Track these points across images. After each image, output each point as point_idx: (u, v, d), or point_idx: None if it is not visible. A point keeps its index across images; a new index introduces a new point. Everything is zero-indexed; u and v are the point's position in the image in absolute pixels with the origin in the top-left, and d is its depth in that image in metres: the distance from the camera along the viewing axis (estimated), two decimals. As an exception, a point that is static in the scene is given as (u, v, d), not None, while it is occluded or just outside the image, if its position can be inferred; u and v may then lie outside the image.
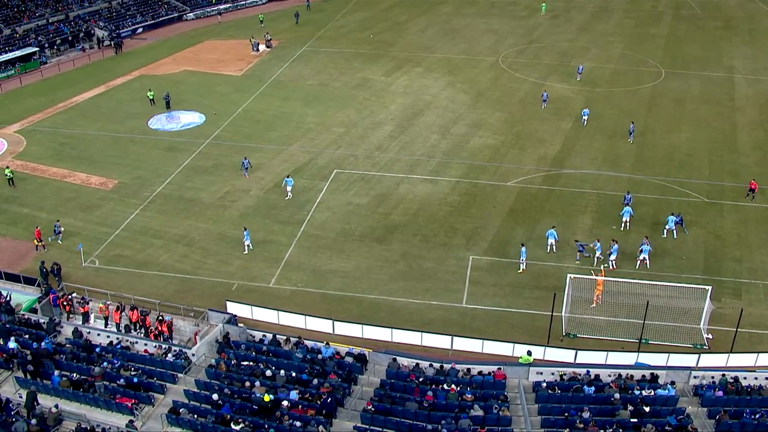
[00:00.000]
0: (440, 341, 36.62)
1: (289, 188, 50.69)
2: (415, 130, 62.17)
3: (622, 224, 46.65)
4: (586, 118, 62.74)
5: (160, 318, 37.26)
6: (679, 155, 57.85)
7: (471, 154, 57.62)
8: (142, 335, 37.21)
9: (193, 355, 33.99)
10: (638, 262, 42.81)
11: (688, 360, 35.16)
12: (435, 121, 64.32)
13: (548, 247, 44.11)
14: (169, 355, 34.00)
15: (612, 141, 59.97)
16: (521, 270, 42.45)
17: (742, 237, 46.62)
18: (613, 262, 42.54)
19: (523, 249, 42.74)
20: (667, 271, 42.38)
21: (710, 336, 37.15)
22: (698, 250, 45.09)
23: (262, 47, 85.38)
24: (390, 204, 50.35)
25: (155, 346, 34.79)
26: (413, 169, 55.02)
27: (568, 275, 38.74)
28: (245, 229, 45.12)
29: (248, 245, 44.58)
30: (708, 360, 35.21)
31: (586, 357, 35.08)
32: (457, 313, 39.40)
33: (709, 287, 37.63)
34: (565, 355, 35.45)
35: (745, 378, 32.80)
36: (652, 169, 55.15)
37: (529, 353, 34.64)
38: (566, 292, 38.04)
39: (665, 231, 45.87)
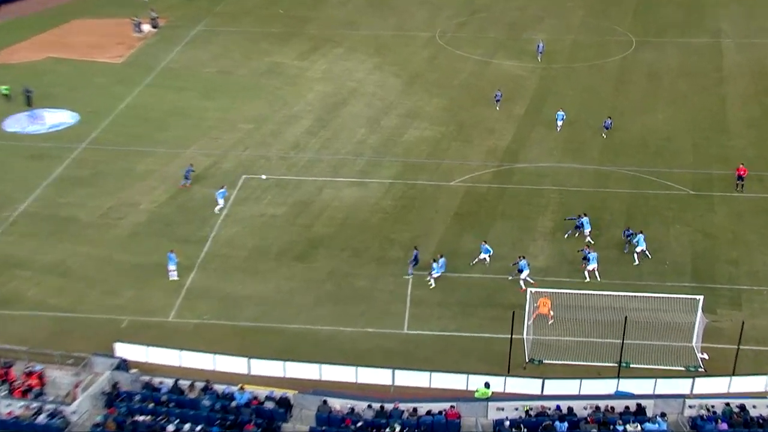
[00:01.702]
0: (379, 376, 36.47)
1: (221, 200, 50.29)
2: (338, 124, 62.17)
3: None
4: (561, 123, 60.61)
5: (29, 370, 36.11)
6: (656, 140, 59.10)
7: (406, 150, 57.94)
8: (4, 394, 35.91)
9: (74, 412, 33.09)
10: (586, 272, 43.14)
11: (681, 386, 35.43)
12: (362, 111, 64.41)
13: (475, 260, 44.37)
14: (42, 415, 32.94)
15: (574, 127, 60.94)
16: (430, 283, 42.92)
17: (738, 234, 47.62)
18: (525, 279, 42.68)
19: (442, 260, 43.15)
20: (648, 279, 43.14)
21: (705, 356, 37.67)
22: (684, 252, 45.88)
23: (146, 27, 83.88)
24: (312, 213, 50.21)
25: (22, 406, 33.61)
26: (338, 171, 55.06)
27: (528, 290, 39.19)
28: (171, 252, 44.11)
29: (173, 272, 43.75)
30: (705, 385, 35.46)
31: (555, 387, 35.38)
32: (398, 340, 39.40)
33: (700, 297, 37.99)
34: (531, 385, 35.66)
35: (754, 407, 33.00)
36: (624, 158, 56.26)
37: (487, 385, 34.79)
38: (527, 309, 38.34)
39: (636, 256, 44.61)
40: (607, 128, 59.72)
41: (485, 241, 44.94)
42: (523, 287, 41.75)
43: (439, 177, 54.19)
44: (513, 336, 36.70)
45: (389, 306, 41.83)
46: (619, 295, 39.33)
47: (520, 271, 42.63)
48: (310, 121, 62.74)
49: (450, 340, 39.47)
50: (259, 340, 39.57)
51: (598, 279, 42.95)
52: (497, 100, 64.72)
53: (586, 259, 43.29)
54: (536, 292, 39.23)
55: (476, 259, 44.41)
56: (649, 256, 44.90)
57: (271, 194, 52.33)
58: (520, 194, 51.96)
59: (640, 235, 44.81)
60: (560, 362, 37.61)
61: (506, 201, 51.26)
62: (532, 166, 55.53)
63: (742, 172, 51.77)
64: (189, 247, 46.71)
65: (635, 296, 39.31)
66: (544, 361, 37.65)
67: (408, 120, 62.93)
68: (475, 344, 39.13)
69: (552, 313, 39.58)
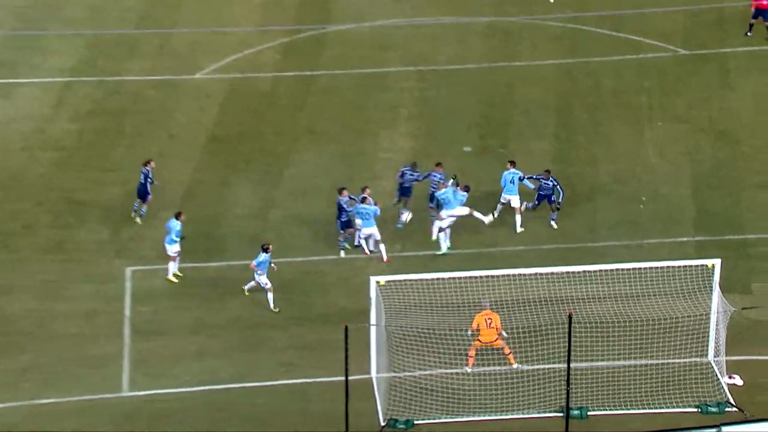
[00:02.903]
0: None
1: None
2: None
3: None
4: None
5: None
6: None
7: (89, 14, 59.34)
8: None
9: None
10: (437, 233, 45.09)
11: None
12: None
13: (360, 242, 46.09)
14: None
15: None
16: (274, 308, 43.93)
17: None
18: (376, 247, 44.93)
19: (266, 256, 43.47)
20: (609, 237, 44.93)
21: (737, 380, 38.81)
22: (678, 175, 48.10)
23: None
24: None
25: None
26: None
27: (372, 278, 39.14)
28: None
29: None
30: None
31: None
32: (115, 413, 39.26)
33: (716, 261, 38.95)
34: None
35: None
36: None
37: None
38: (372, 318, 38.62)
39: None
40: None
41: (365, 197, 45.09)
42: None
43: (170, 66, 55.96)
44: (350, 377, 36.11)
45: (88, 345, 42.52)
46: (556, 273, 39.91)
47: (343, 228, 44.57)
48: None
49: (221, 399, 39.85)
50: None
51: (449, 245, 45.49)
52: None
53: (434, 205, 45.45)
54: (389, 281, 39.54)
55: (358, 238, 45.91)
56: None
57: None
58: (343, 87, 53.95)
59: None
60: (449, 420, 37.99)
61: (313, 104, 53.05)
62: (361, 27, 57.73)
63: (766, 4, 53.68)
64: None
65: (587, 271, 39.97)
66: (416, 423, 38.27)
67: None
68: (277, 402, 39.49)
69: (509, 351, 39.67)
